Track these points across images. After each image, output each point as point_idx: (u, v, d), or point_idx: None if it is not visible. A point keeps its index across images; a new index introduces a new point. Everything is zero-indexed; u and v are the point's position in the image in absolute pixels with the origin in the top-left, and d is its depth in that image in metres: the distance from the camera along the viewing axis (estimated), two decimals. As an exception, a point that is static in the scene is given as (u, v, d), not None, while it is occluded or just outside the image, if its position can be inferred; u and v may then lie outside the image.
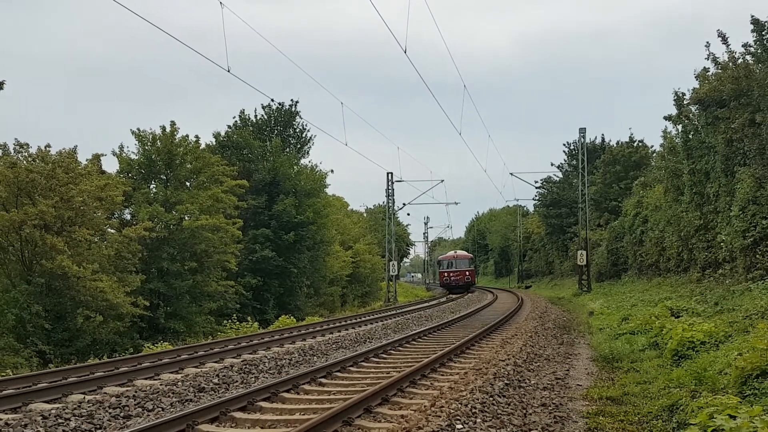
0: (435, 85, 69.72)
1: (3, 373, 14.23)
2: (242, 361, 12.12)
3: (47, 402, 8.83)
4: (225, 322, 28.14)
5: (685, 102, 23.31)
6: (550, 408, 8.34)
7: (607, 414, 8.12)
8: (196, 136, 32.57)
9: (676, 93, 23.86)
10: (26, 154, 24.31)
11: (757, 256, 17.24)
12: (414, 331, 17.25)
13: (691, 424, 6.08)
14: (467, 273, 53.22)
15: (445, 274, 53.87)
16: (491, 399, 8.13)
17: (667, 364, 10.99)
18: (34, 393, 9.08)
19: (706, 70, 21.78)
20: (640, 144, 47.72)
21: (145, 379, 10.62)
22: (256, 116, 45.67)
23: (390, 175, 45.40)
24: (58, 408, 8.35)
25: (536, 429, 7.25)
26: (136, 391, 9.34)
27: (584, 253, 39.04)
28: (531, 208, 75.32)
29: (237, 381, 10.47)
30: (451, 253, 59.04)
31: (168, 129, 31.16)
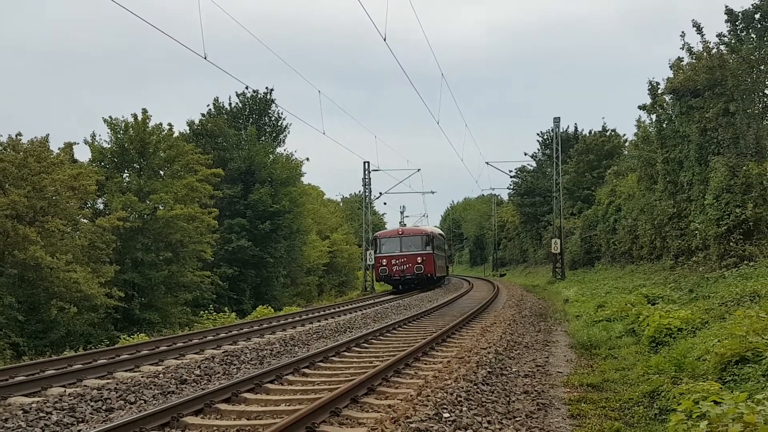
0: (414, 74, 70.04)
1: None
2: (223, 352, 12.04)
3: (26, 396, 8.68)
4: (201, 312, 27.93)
5: (659, 92, 23.60)
6: (532, 395, 8.44)
7: (589, 401, 8.24)
8: (170, 124, 32.11)
9: (650, 82, 24.15)
10: (-4, 143, 23.74)
11: (731, 243, 17.60)
12: (393, 321, 17.29)
13: (676, 410, 6.19)
14: (421, 259, 34.56)
15: (384, 262, 34.93)
16: (475, 387, 8.20)
17: (644, 351, 11.18)
18: (12, 387, 8.91)
19: (680, 59, 22.08)
20: (613, 133, 48.33)
21: (126, 371, 10.50)
22: (230, 104, 45.19)
23: (367, 164, 45.28)
24: (38, 402, 8.21)
25: (520, 416, 7.33)
26: (117, 384, 9.22)
27: (558, 241, 39.49)
28: (506, 197, 75.84)
29: (219, 372, 10.40)
30: (395, 229, 41.21)
31: (140, 117, 30.66)
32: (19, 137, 23.88)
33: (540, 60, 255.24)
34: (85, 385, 9.38)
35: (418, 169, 60.22)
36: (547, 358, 11.56)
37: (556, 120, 43.54)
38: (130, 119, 30.71)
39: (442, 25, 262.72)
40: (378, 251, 36.08)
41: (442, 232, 49.79)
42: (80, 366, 10.74)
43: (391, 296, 31.03)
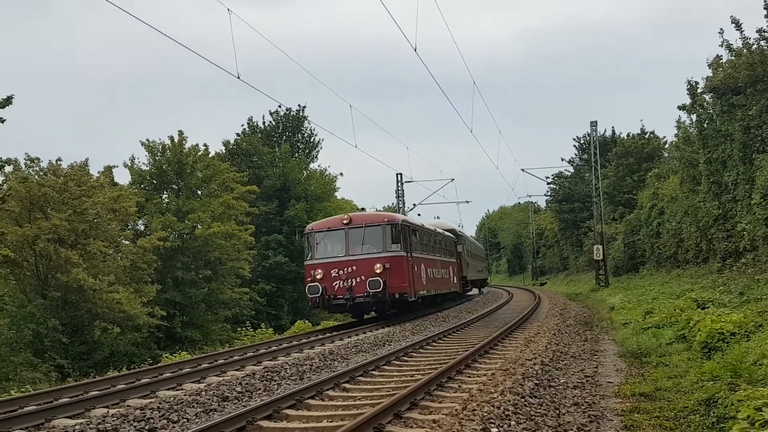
0: (445, 83, 69.48)
1: (23, 389, 14.15)
2: (263, 368, 11.96)
3: (70, 417, 8.69)
4: (240, 329, 28.12)
5: (698, 91, 22.97)
6: (583, 407, 8.13)
7: (642, 410, 7.90)
8: (205, 145, 32.62)
9: (688, 82, 23.53)
10: (37, 168, 24.37)
11: (782, 243, 16.93)
12: (433, 333, 17.03)
13: (736, 418, 5.86)
14: (381, 267, 20.26)
15: (318, 274, 20.70)
16: (523, 400, 7.92)
17: (697, 357, 10.75)
18: (56, 409, 8.94)
19: (719, 57, 21.46)
20: (652, 135, 47.31)
21: (168, 389, 10.48)
22: (264, 123, 45.69)
23: (399, 175, 45.23)
24: (81, 423, 8.21)
25: (572, 429, 7.04)
26: (159, 403, 9.19)
27: (600, 247, 38.68)
28: (543, 204, 74.78)
29: (260, 389, 10.31)
30: (339, 216, 23.13)
31: (177, 138, 31.17)
32: (59, 162, 24.49)
33: (572, 63, 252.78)
34: (128, 405, 9.37)
35: (452, 179, 59.69)
36: (596, 367, 11.18)
37: (593, 124, 42.85)
38: (167, 141, 31.26)
39: (471, 32, 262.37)
40: (310, 255, 21.19)
41: (455, 228, 35.70)
42: (123, 386, 10.75)
43: (425, 310, 30.70)
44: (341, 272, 20.40)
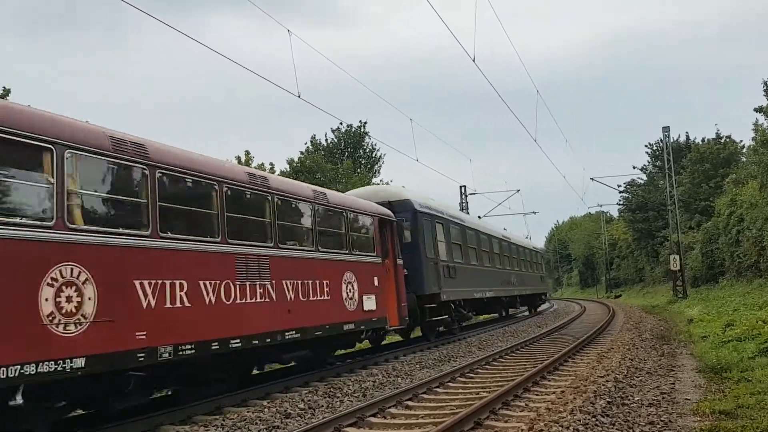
0: (506, 93, 68.32)
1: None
2: (326, 384, 11.92)
3: (138, 433, 8.85)
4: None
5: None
6: (659, 426, 7.65)
7: (723, 429, 7.35)
8: (271, 164, 33.28)
9: (765, 83, 22.37)
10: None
11: None
12: (499, 348, 16.63)
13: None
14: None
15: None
16: (594, 419, 7.53)
17: (784, 373, 10.01)
18: (128, 424, 9.11)
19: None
20: (728, 140, 45.25)
21: (233, 406, 10.56)
22: (326, 140, 46.29)
23: (463, 188, 44.80)
24: (148, 439, 8.34)
25: (646, 451, 6.61)
26: (224, 419, 9.26)
27: (677, 257, 37.08)
28: (615, 214, 72.50)
29: (323, 405, 10.25)
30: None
31: (243, 158, 31.95)
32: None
33: (639, 69, 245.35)
34: (194, 422, 9.48)
35: (518, 190, 58.72)
36: (673, 384, 10.57)
37: (666, 129, 41.25)
38: (235, 161, 32.07)
39: (531, 41, 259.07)
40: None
41: (411, 199, 18.77)
42: (194, 402, 10.85)
43: (495, 322, 30.07)
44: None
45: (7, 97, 17.57)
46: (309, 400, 10.46)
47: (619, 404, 8.62)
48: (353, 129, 46.25)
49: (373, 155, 47.30)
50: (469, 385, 11.35)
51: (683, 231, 40.72)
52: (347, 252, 13.75)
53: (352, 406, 9.71)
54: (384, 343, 19.30)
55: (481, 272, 24.53)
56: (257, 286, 10.45)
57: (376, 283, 14.71)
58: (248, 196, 10.78)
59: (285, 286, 11.19)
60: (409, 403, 9.77)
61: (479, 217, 39.74)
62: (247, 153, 32.06)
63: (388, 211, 16.49)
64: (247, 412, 9.83)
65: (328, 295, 12.58)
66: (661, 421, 7.88)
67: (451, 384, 11.45)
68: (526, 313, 35.96)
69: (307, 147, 45.15)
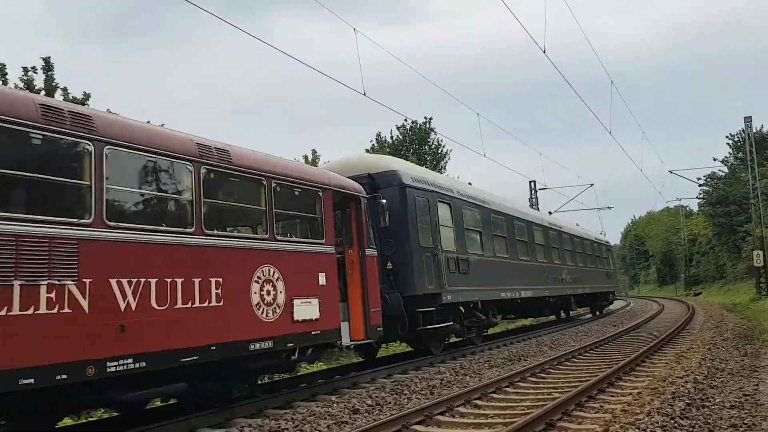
0: (577, 84, 66.32)
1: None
2: (393, 382, 11.91)
3: (213, 427, 9.07)
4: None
5: None
6: (741, 429, 7.24)
7: (813, 436, 6.90)
8: (339, 162, 33.49)
9: None
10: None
11: None
12: (572, 348, 16.19)
13: None
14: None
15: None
16: (672, 422, 7.20)
17: None
18: (200, 417, 9.35)
19: None
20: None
21: (302, 400, 10.69)
22: (392, 137, 46.27)
23: (533, 183, 43.93)
24: (221, 432, 8.54)
25: (731, 457, 6.26)
26: (294, 414, 9.39)
27: (760, 253, 35.23)
28: (695, 208, 69.47)
29: (390, 402, 10.24)
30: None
31: (310, 157, 32.32)
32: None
33: (715, 58, 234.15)
34: (266, 415, 9.65)
35: (591, 184, 57.00)
36: (756, 385, 10.00)
37: (747, 120, 39.21)
38: (302, 160, 32.51)
39: (604, 31, 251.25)
40: None
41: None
42: (264, 395, 11.05)
43: (566, 324, 29.32)
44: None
45: (87, 102, 18.35)
46: (376, 397, 10.47)
47: (699, 406, 8.22)
48: (418, 125, 46.04)
49: (439, 151, 46.94)
50: (540, 385, 11.09)
51: (767, 225, 38.59)
52: (266, 238, 9.63)
53: (420, 403, 9.65)
54: (452, 341, 17.06)
55: (514, 267, 19.88)
56: (44, 288, 6.45)
57: (322, 281, 10.65)
58: (39, 144, 6.88)
59: (114, 289, 7.21)
60: (478, 402, 9.62)
61: (549, 212, 38.09)
62: (314, 152, 32.35)
63: (353, 184, 12.33)
64: (316, 407, 9.93)
65: (218, 301, 8.60)
66: (744, 424, 7.46)
67: (521, 383, 11.21)
68: (589, 315, 32.06)
69: (372, 144, 45.28)
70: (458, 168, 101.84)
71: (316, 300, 10.51)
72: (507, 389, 10.68)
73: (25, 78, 17.73)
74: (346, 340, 11.58)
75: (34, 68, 17.97)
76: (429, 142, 46.34)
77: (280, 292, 9.70)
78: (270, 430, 8.57)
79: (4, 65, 17.31)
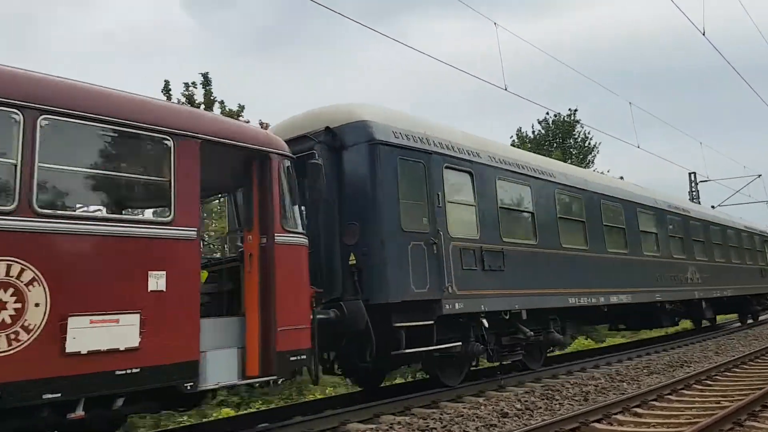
0: (742, 68, 58.93)
1: (325, 394, 15.55)
2: (543, 386, 11.52)
3: (361, 422, 9.27)
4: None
5: None
6: None
7: None
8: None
9: None
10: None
11: None
12: (741, 353, 14.82)
13: None
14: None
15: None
16: None
17: None
18: (349, 413, 9.61)
19: None
20: None
21: (449, 401, 10.64)
22: (533, 132, 45.02)
23: (693, 175, 40.82)
24: (372, 428, 8.69)
25: None
26: (441, 414, 9.37)
27: None
28: None
29: (540, 407, 9.91)
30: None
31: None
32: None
33: None
34: (413, 414, 9.70)
35: (759, 175, 51.79)
36: None
37: None
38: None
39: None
40: None
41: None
42: (409, 394, 11.13)
43: (737, 324, 26.84)
44: None
45: (241, 115, 19.55)
46: (526, 401, 10.18)
47: None
48: (562, 118, 44.39)
49: (586, 144, 44.95)
50: (707, 393, 10.24)
51: None
52: (7, 211, 5.53)
53: (573, 410, 9.26)
54: (605, 345, 16.52)
55: (595, 262, 14.63)
56: None
57: (153, 285, 6.43)
58: None
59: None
60: (638, 410, 9.06)
61: (712, 206, 33.99)
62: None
63: (253, 134, 8.01)
64: (463, 408, 9.84)
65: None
66: None
67: (685, 391, 10.42)
68: (738, 324, 26.05)
69: (513, 140, 44.30)
70: (609, 161, 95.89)
71: (135, 317, 6.27)
72: (669, 396, 9.97)
73: (186, 93, 19.29)
74: (228, 377, 7.34)
75: (194, 83, 19.53)
76: (574, 135, 44.53)
77: (36, 305, 5.58)
78: (419, 429, 8.60)
79: (168, 82, 18.97)
